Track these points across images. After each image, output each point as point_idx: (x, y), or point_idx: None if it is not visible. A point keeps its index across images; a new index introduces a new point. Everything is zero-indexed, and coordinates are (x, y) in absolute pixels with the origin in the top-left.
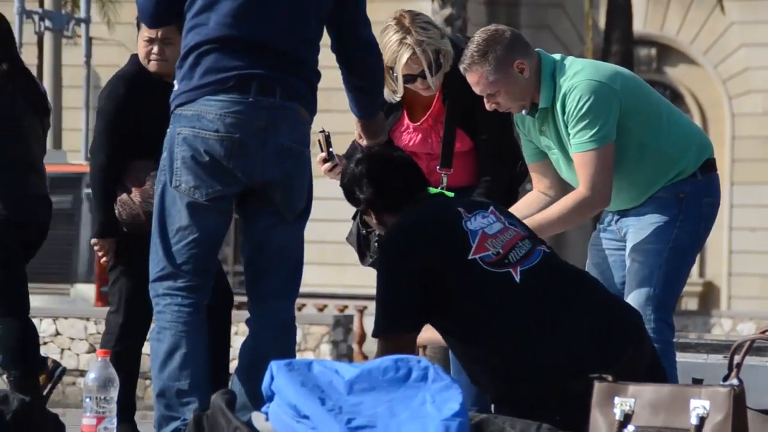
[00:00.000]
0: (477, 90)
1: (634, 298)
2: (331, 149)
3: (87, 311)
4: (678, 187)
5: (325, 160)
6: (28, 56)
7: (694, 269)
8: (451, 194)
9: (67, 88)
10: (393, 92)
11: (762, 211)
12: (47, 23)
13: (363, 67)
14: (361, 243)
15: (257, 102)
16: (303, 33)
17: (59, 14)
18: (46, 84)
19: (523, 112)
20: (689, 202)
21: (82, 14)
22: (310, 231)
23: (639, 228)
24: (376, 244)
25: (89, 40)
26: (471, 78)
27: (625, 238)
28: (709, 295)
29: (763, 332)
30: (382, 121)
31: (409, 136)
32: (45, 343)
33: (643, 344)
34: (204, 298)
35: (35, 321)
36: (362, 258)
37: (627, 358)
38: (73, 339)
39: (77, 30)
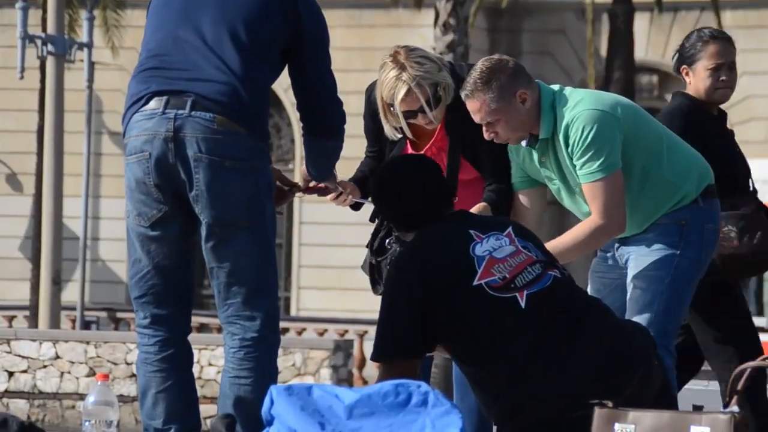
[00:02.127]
0: (477, 118)
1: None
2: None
3: (87, 335)
4: (679, 214)
5: (326, 188)
6: (31, 80)
7: None
8: None
9: (68, 113)
10: (395, 128)
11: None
12: (50, 48)
13: (305, 109)
14: (373, 272)
15: (165, 114)
16: (228, 41)
17: (62, 39)
18: (48, 108)
19: (522, 143)
20: (691, 229)
21: (84, 39)
22: (310, 256)
23: (641, 255)
24: (388, 267)
25: (91, 65)
26: (472, 105)
27: (627, 265)
28: None
29: (763, 359)
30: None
31: None
32: (45, 366)
33: (651, 371)
34: (173, 329)
35: (35, 344)
36: (374, 286)
37: (633, 387)
38: (72, 362)
39: (79, 54)
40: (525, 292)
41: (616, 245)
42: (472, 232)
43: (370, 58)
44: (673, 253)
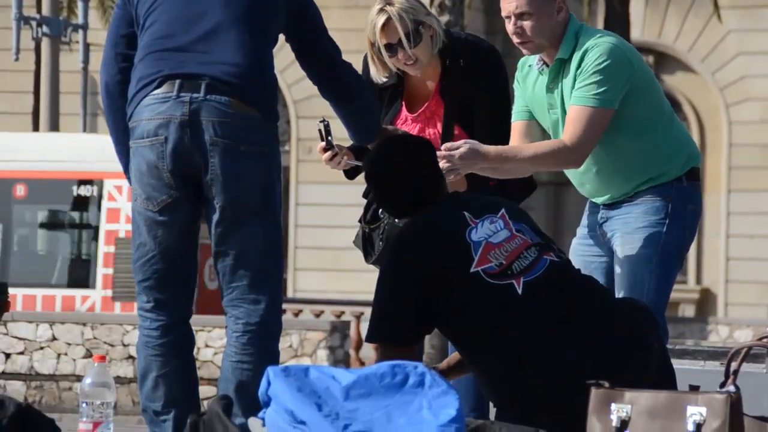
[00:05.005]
0: (512, 6)
1: None
2: (330, 138)
3: (84, 316)
4: (664, 190)
5: (324, 150)
6: (26, 62)
7: (691, 276)
8: None
9: (64, 95)
10: (381, 70)
11: (759, 218)
12: (45, 29)
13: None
14: (366, 241)
15: (179, 98)
16: (232, 25)
17: (57, 20)
18: (44, 90)
19: (536, 64)
20: (675, 207)
21: (79, 20)
22: (307, 237)
23: (626, 233)
24: (380, 242)
25: (87, 47)
26: None
27: (610, 244)
28: (706, 302)
29: (760, 339)
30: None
31: (407, 128)
32: (41, 348)
33: (651, 354)
34: (175, 314)
35: (32, 326)
36: (366, 256)
37: (633, 370)
38: (69, 344)
39: (75, 36)
40: (522, 279)
41: (601, 218)
42: (466, 214)
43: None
44: (659, 231)
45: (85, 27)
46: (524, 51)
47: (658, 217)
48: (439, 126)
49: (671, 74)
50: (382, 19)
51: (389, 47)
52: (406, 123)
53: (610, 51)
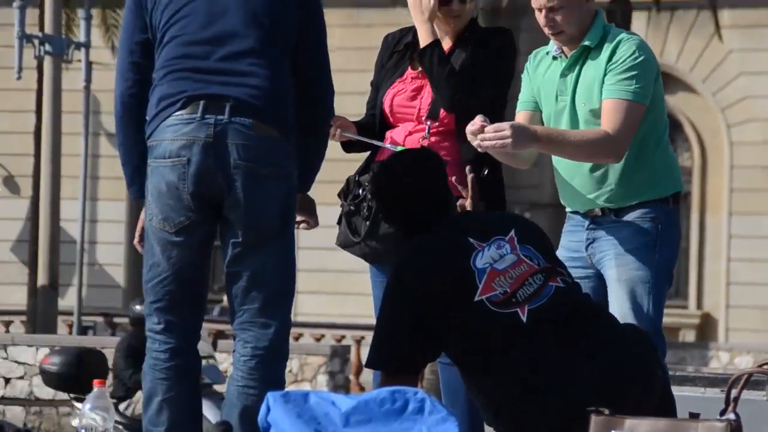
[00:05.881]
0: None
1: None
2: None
3: (84, 340)
4: (653, 211)
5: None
6: (28, 81)
7: (692, 301)
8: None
9: (66, 114)
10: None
11: (761, 242)
12: (47, 47)
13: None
14: (350, 220)
15: (204, 119)
16: (254, 43)
17: (59, 38)
18: (46, 109)
19: (554, 51)
20: (664, 228)
21: (82, 39)
22: (308, 260)
23: (619, 255)
24: (366, 222)
25: (89, 65)
26: None
27: (599, 266)
28: (706, 328)
29: (761, 366)
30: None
31: (403, 86)
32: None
33: (653, 382)
34: (184, 337)
35: (32, 350)
36: (353, 235)
37: (636, 398)
38: None
39: (77, 55)
40: (526, 307)
41: (588, 239)
42: (473, 241)
43: (368, 57)
44: (651, 252)
45: (87, 45)
46: (556, 42)
47: (649, 238)
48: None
49: (672, 94)
50: None
51: None
52: (406, 81)
53: (644, 48)
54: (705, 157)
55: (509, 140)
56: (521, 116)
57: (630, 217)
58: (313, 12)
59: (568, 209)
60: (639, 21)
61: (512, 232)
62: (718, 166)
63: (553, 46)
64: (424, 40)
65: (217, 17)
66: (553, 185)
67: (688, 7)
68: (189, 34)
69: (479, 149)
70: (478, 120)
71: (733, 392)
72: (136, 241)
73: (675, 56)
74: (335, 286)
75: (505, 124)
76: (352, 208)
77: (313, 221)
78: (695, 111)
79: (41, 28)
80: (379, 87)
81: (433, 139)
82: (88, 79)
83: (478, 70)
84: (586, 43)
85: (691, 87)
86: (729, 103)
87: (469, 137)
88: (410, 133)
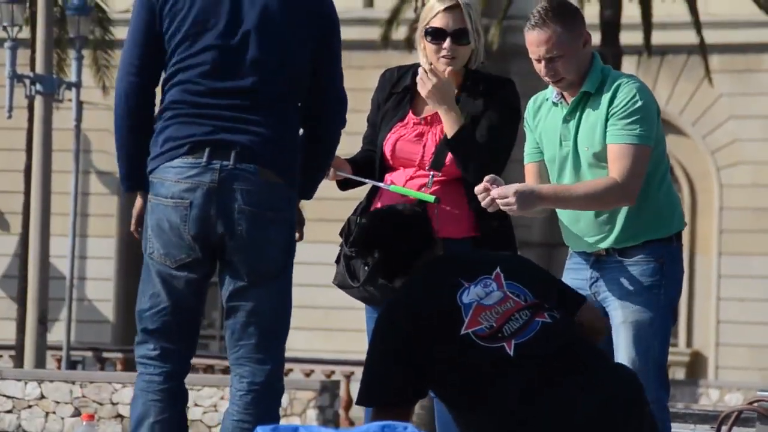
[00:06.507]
0: (541, 51)
1: (637, 365)
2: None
3: (73, 374)
4: (657, 251)
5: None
6: (19, 120)
7: (682, 339)
8: (431, 198)
9: (56, 152)
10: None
11: (750, 282)
12: (38, 87)
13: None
14: (349, 263)
15: (210, 165)
16: (264, 100)
17: (50, 78)
18: (36, 147)
19: (554, 97)
20: (668, 268)
21: (72, 78)
22: (298, 296)
23: (624, 296)
24: (364, 267)
25: (80, 104)
26: (541, 36)
27: (603, 305)
28: (696, 365)
29: (751, 403)
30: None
31: (405, 131)
32: (29, 407)
33: (643, 421)
34: (179, 365)
35: (20, 384)
36: (352, 279)
37: None
38: (58, 402)
39: (68, 94)
40: (513, 342)
41: (591, 278)
42: (459, 279)
43: (360, 99)
44: (657, 293)
45: (78, 85)
46: (556, 88)
47: (654, 279)
48: (440, 132)
49: None
50: (446, 2)
51: (439, 33)
52: (407, 126)
53: (643, 91)
54: (695, 199)
55: (514, 206)
56: (530, 168)
57: (635, 257)
58: (329, 47)
59: (571, 249)
60: (629, 65)
61: (498, 269)
62: (707, 208)
63: (552, 91)
64: (450, 128)
65: (232, 74)
66: (543, 225)
67: (678, 51)
68: (200, 85)
69: (487, 209)
70: (485, 182)
71: (724, 429)
72: (132, 228)
73: (665, 100)
74: (324, 322)
75: (510, 189)
76: (352, 254)
77: (299, 235)
78: (685, 154)
79: (32, 67)
80: (375, 124)
81: (435, 188)
82: (79, 119)
83: (499, 142)
84: (585, 89)
85: (681, 130)
86: (718, 146)
87: (478, 196)
88: (411, 178)
